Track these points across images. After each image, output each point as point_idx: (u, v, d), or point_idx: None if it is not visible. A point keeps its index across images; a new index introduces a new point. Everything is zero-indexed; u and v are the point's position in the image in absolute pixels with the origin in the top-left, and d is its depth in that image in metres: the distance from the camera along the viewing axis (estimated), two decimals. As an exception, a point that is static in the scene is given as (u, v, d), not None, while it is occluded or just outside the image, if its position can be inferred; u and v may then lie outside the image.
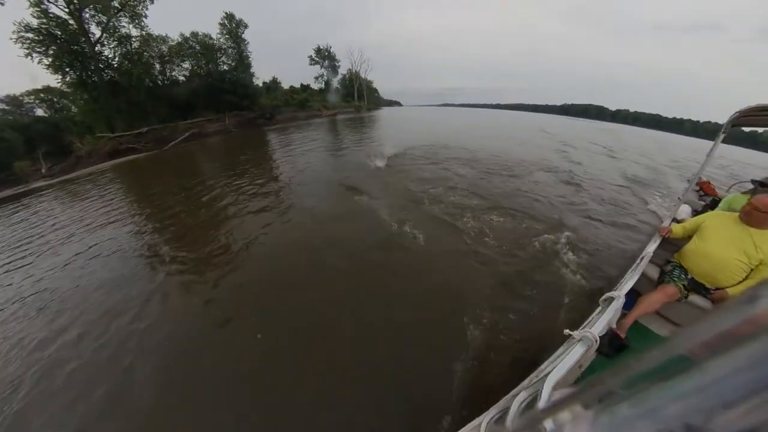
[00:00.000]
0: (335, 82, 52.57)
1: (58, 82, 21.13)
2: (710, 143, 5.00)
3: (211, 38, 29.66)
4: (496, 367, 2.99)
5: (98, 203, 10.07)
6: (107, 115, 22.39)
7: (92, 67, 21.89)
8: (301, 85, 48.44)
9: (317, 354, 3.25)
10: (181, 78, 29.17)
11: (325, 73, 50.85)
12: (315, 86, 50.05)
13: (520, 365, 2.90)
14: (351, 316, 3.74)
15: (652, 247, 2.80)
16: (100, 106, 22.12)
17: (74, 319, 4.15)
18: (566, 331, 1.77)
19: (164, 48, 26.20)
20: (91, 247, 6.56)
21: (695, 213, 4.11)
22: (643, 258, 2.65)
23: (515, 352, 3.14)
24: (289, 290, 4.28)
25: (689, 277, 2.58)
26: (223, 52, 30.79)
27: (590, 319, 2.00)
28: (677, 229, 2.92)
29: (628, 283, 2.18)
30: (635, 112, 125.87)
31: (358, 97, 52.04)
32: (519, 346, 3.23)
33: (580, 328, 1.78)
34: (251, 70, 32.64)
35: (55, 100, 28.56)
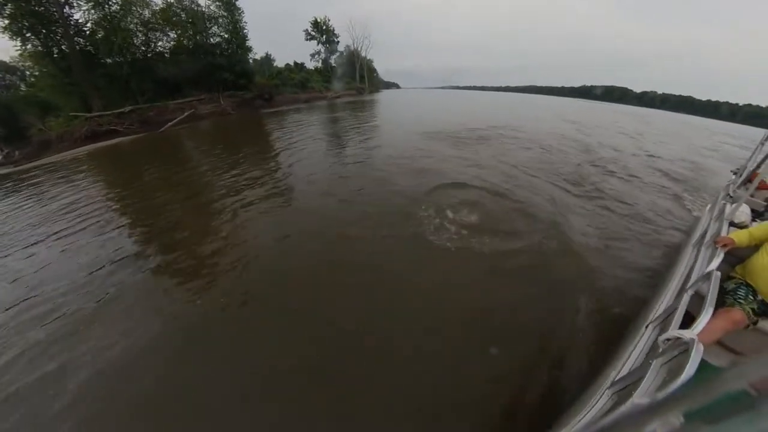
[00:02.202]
0: (333, 60, 48.70)
1: (17, 50, 17.50)
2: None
3: (198, 5, 25.82)
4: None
5: (73, 197, 7.40)
6: (82, 91, 18.90)
7: (60, 33, 18.25)
8: (295, 63, 44.44)
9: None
10: (167, 51, 25.43)
11: (322, 50, 46.89)
12: (311, 64, 46.12)
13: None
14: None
15: (715, 263, 2.14)
16: (71, 80, 18.59)
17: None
18: (635, 399, 1.40)
19: (147, 13, 22.43)
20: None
21: (756, 215, 3.49)
22: (692, 277, 2.30)
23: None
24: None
25: (759, 298, 2.13)
26: (213, 21, 26.99)
27: (639, 355, 1.88)
28: (742, 237, 2.33)
29: (702, 320, 1.65)
30: (663, 94, 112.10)
31: (359, 78, 48.45)
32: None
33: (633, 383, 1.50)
34: (248, 44, 28.91)
35: (9, 76, 24.44)
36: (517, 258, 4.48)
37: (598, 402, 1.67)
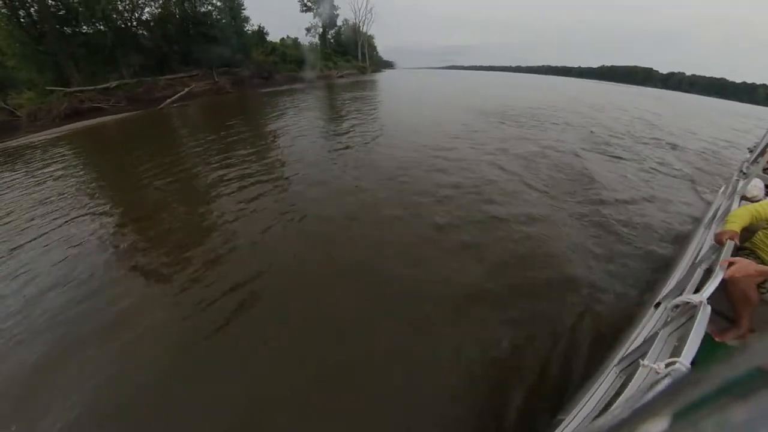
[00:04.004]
0: (331, 35, 45.37)
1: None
2: None
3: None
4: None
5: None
6: (56, 62, 16.32)
7: (28, -6, 15.51)
8: (287, 37, 41.01)
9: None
10: (152, 21, 22.50)
11: (319, 23, 43.51)
12: (306, 39, 42.67)
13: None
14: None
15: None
16: (45, 49, 15.99)
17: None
18: (644, 362, 1.29)
19: (130, -27, 19.54)
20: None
21: None
22: (701, 252, 2.30)
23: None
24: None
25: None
26: (203, -14, 23.97)
27: (649, 332, 1.80)
28: (742, 218, 2.09)
29: (710, 285, 1.52)
30: (692, 75, 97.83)
31: (361, 56, 45.50)
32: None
33: (646, 355, 1.40)
34: (243, 14, 26.02)
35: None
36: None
37: (604, 381, 1.59)
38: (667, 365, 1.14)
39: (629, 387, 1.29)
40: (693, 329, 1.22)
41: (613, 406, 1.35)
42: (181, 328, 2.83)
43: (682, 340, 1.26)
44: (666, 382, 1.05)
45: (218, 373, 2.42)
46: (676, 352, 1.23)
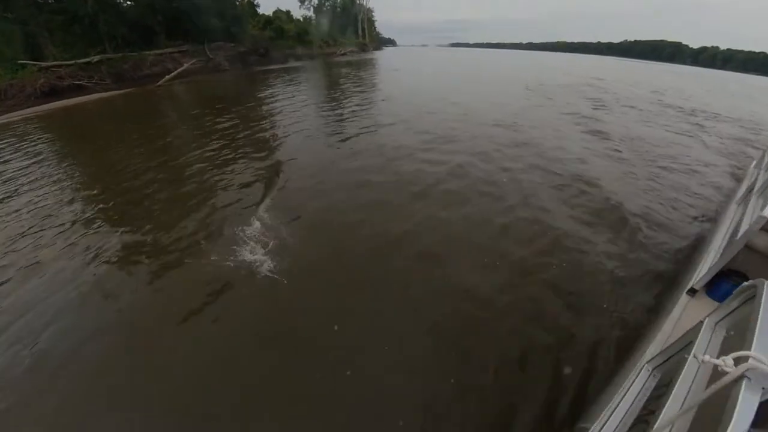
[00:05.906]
0: (327, 7, 42.34)
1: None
2: None
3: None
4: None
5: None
6: (28, 33, 14.15)
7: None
8: (278, 10, 37.92)
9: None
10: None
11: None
12: (300, 13, 39.64)
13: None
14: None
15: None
16: (13, 17, 13.79)
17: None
18: (695, 356, 1.09)
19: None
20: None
21: None
22: (739, 229, 2.12)
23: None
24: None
25: None
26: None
27: (689, 321, 1.68)
28: None
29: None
30: (727, 50, 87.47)
31: (361, 32, 42.72)
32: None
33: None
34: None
35: None
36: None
37: (636, 381, 1.46)
38: (737, 362, 0.83)
39: (678, 385, 1.09)
40: (760, 314, 0.93)
41: (666, 406, 1.07)
42: None
43: (738, 329, 1.08)
44: (744, 384, 0.79)
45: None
46: (735, 343, 0.99)
